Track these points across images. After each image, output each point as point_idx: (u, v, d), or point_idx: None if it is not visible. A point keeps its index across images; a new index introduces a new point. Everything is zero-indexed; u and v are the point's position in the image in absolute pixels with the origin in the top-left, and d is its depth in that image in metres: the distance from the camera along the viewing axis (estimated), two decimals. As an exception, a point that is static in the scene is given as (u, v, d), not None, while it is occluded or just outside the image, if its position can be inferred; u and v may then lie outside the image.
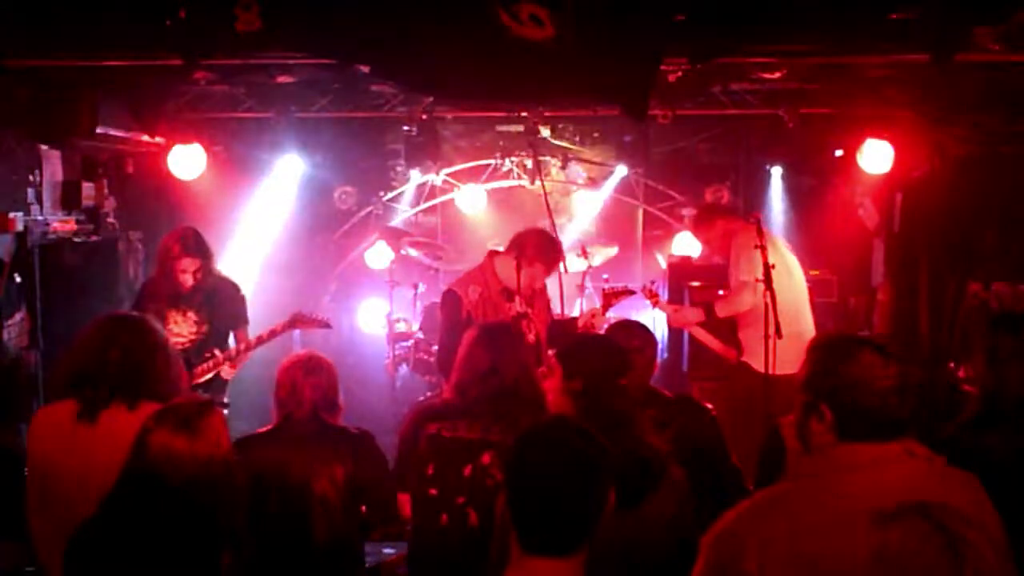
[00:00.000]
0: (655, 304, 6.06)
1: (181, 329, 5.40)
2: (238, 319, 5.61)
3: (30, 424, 3.42)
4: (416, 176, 8.58)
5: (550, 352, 3.97)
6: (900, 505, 1.83)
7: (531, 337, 5.12)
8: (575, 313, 6.77)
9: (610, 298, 5.84)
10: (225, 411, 5.43)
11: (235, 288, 5.65)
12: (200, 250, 5.38)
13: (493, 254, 5.39)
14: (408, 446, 3.60)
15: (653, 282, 6.34)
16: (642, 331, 4.02)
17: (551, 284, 6.53)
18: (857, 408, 2.23)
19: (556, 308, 6.54)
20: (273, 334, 5.51)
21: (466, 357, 3.57)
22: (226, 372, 5.49)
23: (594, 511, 2.11)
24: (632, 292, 5.98)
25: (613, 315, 5.99)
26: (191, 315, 5.43)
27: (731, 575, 2.18)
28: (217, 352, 5.41)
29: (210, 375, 5.42)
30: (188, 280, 5.35)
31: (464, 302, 5.13)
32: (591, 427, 2.24)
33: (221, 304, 5.52)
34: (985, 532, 1.80)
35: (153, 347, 3.44)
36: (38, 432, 3.37)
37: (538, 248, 5.23)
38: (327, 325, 5.78)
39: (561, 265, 6.47)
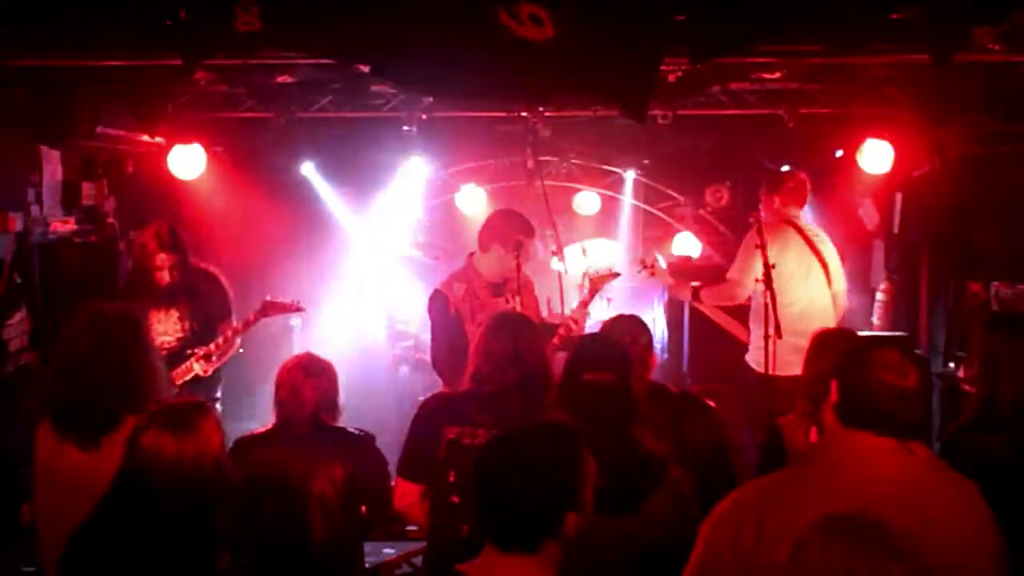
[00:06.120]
0: (652, 273, 5.93)
1: (166, 328, 5.24)
2: (222, 311, 5.40)
3: (36, 433, 3.39)
4: (416, 176, 8.58)
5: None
6: (847, 517, 1.85)
7: None
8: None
9: (596, 283, 5.54)
10: (218, 406, 5.40)
11: (216, 280, 5.46)
12: (175, 246, 5.21)
13: (471, 253, 5.32)
14: (422, 438, 3.49)
15: (652, 254, 6.22)
16: (633, 324, 3.85)
17: (551, 285, 6.53)
18: (863, 395, 2.25)
19: (556, 308, 6.54)
20: (247, 324, 5.32)
21: (485, 346, 3.49)
22: (201, 369, 5.24)
23: (559, 507, 2.14)
24: (617, 274, 5.69)
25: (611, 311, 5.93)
26: (174, 313, 5.28)
27: (729, 555, 2.19)
28: (198, 351, 5.23)
29: (189, 376, 5.21)
30: (165, 277, 5.21)
31: (450, 299, 5.11)
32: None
33: (204, 298, 5.35)
34: (924, 561, 1.81)
35: (142, 355, 3.43)
36: (44, 445, 3.35)
37: (502, 225, 5.17)
38: (298, 309, 5.61)
39: (562, 265, 6.47)
